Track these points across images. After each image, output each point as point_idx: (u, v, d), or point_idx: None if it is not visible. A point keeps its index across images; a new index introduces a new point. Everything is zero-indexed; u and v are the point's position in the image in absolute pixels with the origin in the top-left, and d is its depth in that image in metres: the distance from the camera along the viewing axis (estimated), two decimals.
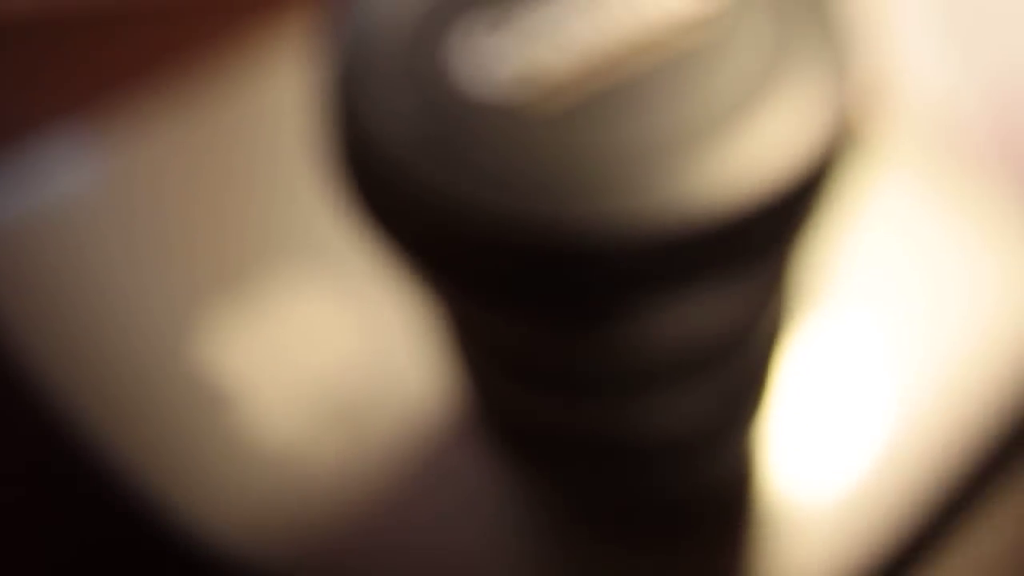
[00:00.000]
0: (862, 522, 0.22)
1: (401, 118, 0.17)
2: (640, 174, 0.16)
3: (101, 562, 0.25)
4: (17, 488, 0.25)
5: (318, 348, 0.25)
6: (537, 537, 0.22)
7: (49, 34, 0.31)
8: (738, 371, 0.20)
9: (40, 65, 0.31)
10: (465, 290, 0.17)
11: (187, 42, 0.31)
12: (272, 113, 0.27)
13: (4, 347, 0.26)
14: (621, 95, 0.17)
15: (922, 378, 0.25)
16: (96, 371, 0.25)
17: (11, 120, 0.30)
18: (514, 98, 0.17)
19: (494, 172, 0.16)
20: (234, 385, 0.24)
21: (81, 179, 0.29)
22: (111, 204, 0.28)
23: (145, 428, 0.24)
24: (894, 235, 0.26)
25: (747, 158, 0.17)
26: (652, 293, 0.17)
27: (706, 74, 0.17)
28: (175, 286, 0.26)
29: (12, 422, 0.25)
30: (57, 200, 0.28)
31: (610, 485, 0.21)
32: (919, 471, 0.23)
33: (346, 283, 0.25)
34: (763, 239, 0.17)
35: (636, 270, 0.16)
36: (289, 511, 0.23)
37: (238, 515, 0.23)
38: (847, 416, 0.23)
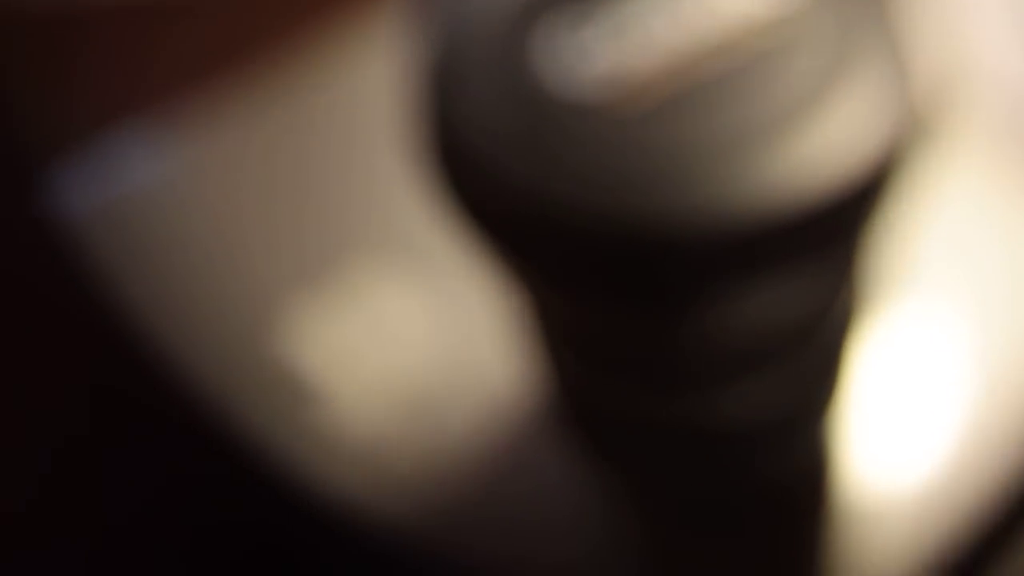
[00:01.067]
0: (940, 515, 0.22)
1: (492, 113, 0.17)
2: (720, 168, 0.17)
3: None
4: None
5: (400, 341, 0.25)
6: (615, 527, 0.22)
7: (127, 24, 0.31)
8: (813, 359, 0.20)
9: (120, 55, 0.31)
10: (552, 282, 0.18)
11: (267, 31, 0.31)
12: (352, 103, 0.28)
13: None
14: (700, 93, 0.17)
15: (1001, 369, 0.25)
16: (184, 356, 0.26)
17: (93, 110, 0.30)
18: (599, 97, 0.17)
19: (581, 167, 0.17)
20: (317, 379, 0.24)
21: (162, 170, 0.29)
22: (193, 194, 0.28)
23: (233, 417, 0.24)
24: (970, 223, 0.26)
25: (820, 150, 0.17)
26: (731, 282, 0.17)
27: (778, 71, 0.17)
28: (258, 279, 0.26)
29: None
30: (137, 192, 0.29)
31: (687, 475, 0.21)
32: (997, 464, 0.23)
33: (427, 275, 0.25)
34: (838, 228, 0.17)
35: (716, 260, 0.16)
36: (374, 504, 0.24)
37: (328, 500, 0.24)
38: (925, 406, 0.23)
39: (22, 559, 0.26)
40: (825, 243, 0.17)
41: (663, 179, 0.17)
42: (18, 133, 0.30)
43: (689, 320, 0.17)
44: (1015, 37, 0.31)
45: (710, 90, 0.17)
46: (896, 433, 0.23)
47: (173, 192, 0.28)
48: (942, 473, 0.23)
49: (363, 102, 0.28)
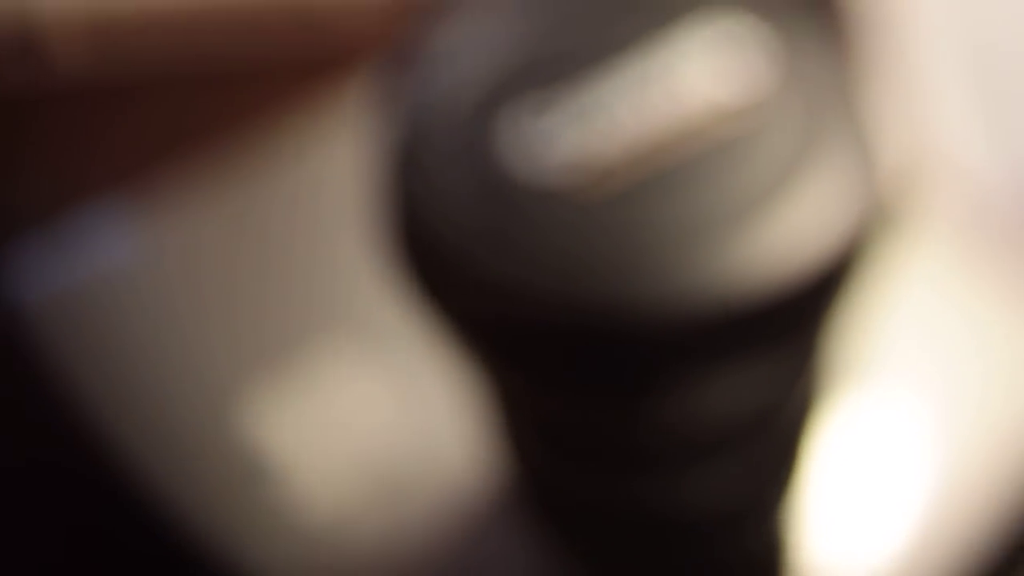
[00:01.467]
0: None
1: (455, 202, 0.17)
2: (682, 257, 0.17)
3: None
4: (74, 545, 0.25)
5: (361, 423, 0.25)
6: None
7: (86, 106, 0.31)
8: (773, 445, 0.20)
9: (79, 138, 0.31)
10: (514, 370, 0.18)
11: (237, 111, 0.30)
12: (316, 186, 0.28)
13: (58, 417, 0.26)
14: (664, 179, 0.17)
15: (958, 455, 0.25)
16: (142, 443, 0.25)
17: (50, 194, 0.30)
18: (564, 183, 0.17)
19: (543, 257, 0.16)
20: (279, 459, 0.24)
21: (121, 254, 0.29)
22: (152, 278, 0.28)
23: (192, 503, 0.24)
24: (934, 309, 0.26)
25: (782, 239, 0.17)
26: (691, 370, 0.17)
27: (742, 158, 0.17)
28: (222, 358, 0.26)
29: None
30: (96, 275, 0.28)
31: (647, 562, 0.21)
32: (953, 548, 0.23)
33: (389, 358, 0.25)
34: (799, 317, 0.17)
35: (676, 349, 0.16)
36: None
37: None
38: (885, 494, 0.23)
39: None
40: (785, 332, 0.17)
41: (626, 269, 0.17)
42: None
43: (649, 407, 0.17)
44: (978, 126, 0.31)
45: (674, 176, 0.17)
46: (855, 520, 0.23)
47: (132, 276, 0.28)
48: (900, 561, 0.23)
49: (327, 184, 0.27)
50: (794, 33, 0.19)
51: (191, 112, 0.31)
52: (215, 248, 0.28)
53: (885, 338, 0.25)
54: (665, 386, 0.17)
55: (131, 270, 0.28)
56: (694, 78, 0.18)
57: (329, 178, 0.27)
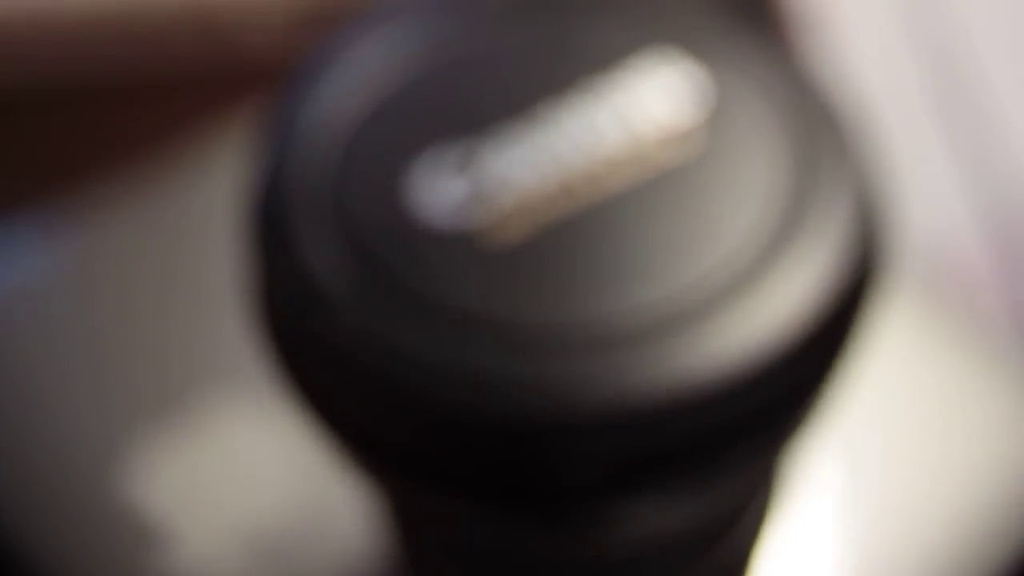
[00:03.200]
0: None
1: (323, 269, 0.15)
2: (607, 362, 0.14)
3: None
4: None
5: (252, 480, 0.24)
6: None
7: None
8: (721, 563, 0.18)
9: None
10: (396, 472, 0.15)
11: (144, 126, 0.30)
12: (220, 210, 0.25)
13: None
14: (583, 246, 0.16)
15: (916, 539, 0.23)
16: (21, 498, 0.24)
17: None
18: (464, 249, 0.15)
19: (434, 357, 0.14)
20: (162, 521, 0.23)
21: (20, 270, 0.27)
22: (47, 302, 0.26)
23: (72, 566, 0.23)
24: (892, 387, 0.25)
25: (735, 329, 0.15)
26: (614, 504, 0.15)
27: (677, 221, 0.16)
28: (98, 415, 0.25)
29: None
30: None
31: None
32: None
33: (277, 414, 0.24)
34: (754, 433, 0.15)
35: (596, 480, 0.14)
36: None
37: None
38: None
39: None
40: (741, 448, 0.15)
41: (543, 375, 0.14)
42: None
43: (580, 525, 0.15)
44: (943, 185, 0.30)
45: (596, 247, 0.15)
46: None
47: (20, 300, 0.27)
48: None
49: (219, 220, 0.25)
50: (734, 71, 0.17)
51: (95, 127, 0.31)
52: (110, 278, 0.27)
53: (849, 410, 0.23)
54: (582, 521, 0.15)
55: (21, 292, 0.27)
56: (618, 121, 0.16)
57: (220, 212, 0.24)
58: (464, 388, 0.14)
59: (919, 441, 0.24)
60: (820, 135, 0.17)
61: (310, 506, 0.23)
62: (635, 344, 0.14)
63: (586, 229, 0.15)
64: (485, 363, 0.14)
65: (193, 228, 0.27)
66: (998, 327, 0.28)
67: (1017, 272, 0.29)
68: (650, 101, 0.16)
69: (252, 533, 0.22)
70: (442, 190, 0.15)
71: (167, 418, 0.24)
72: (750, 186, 0.16)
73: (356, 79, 0.16)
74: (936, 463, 0.24)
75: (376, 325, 0.14)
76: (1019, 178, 0.31)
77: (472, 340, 0.14)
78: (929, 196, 0.30)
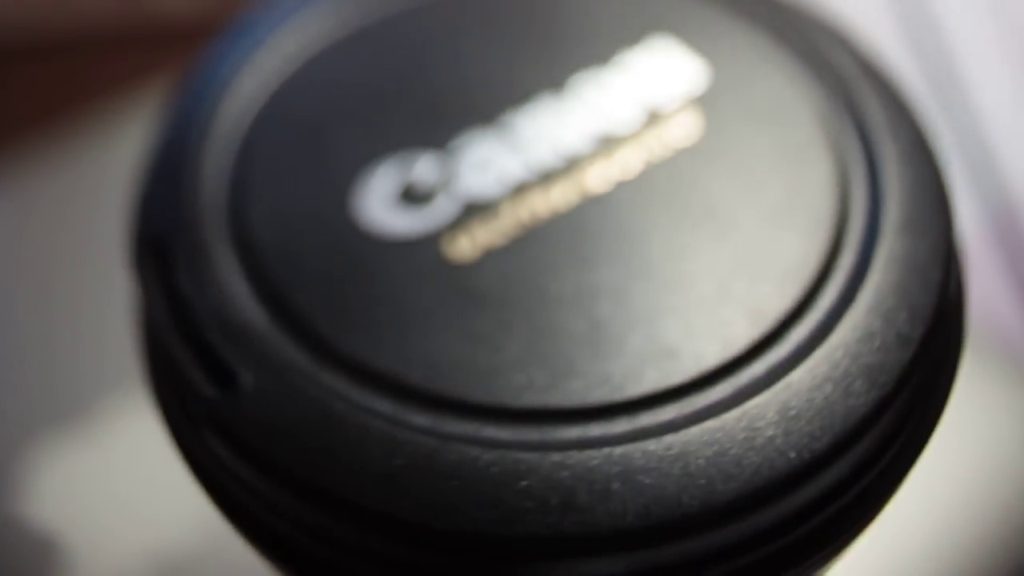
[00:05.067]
0: None
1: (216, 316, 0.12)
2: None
3: None
4: None
5: (149, 498, 0.21)
6: None
7: None
8: None
9: None
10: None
11: (58, 87, 0.27)
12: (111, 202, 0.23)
13: None
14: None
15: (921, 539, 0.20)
16: None
17: None
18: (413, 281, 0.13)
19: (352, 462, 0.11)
20: (58, 537, 0.21)
21: None
22: None
23: None
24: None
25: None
26: None
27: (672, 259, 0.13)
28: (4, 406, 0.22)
29: None
30: None
31: None
32: None
33: None
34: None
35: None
36: None
37: None
38: None
39: None
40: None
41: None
42: None
43: None
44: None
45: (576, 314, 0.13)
46: None
47: None
48: None
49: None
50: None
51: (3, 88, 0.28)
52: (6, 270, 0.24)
53: None
54: None
55: None
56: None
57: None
58: (412, 509, 0.11)
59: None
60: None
61: (213, 522, 0.20)
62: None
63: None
64: (429, 475, 0.10)
65: (87, 209, 0.23)
66: (998, 328, 0.25)
67: (1014, 273, 0.27)
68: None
69: (154, 550, 0.20)
70: (392, 213, 0.13)
71: (62, 425, 0.21)
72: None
73: (275, 65, 0.13)
74: (941, 462, 0.22)
75: (291, 413, 0.11)
76: (1014, 179, 0.29)
77: (416, 438, 0.10)
78: None
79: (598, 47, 0.15)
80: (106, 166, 0.24)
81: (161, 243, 0.13)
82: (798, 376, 0.13)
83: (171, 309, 0.12)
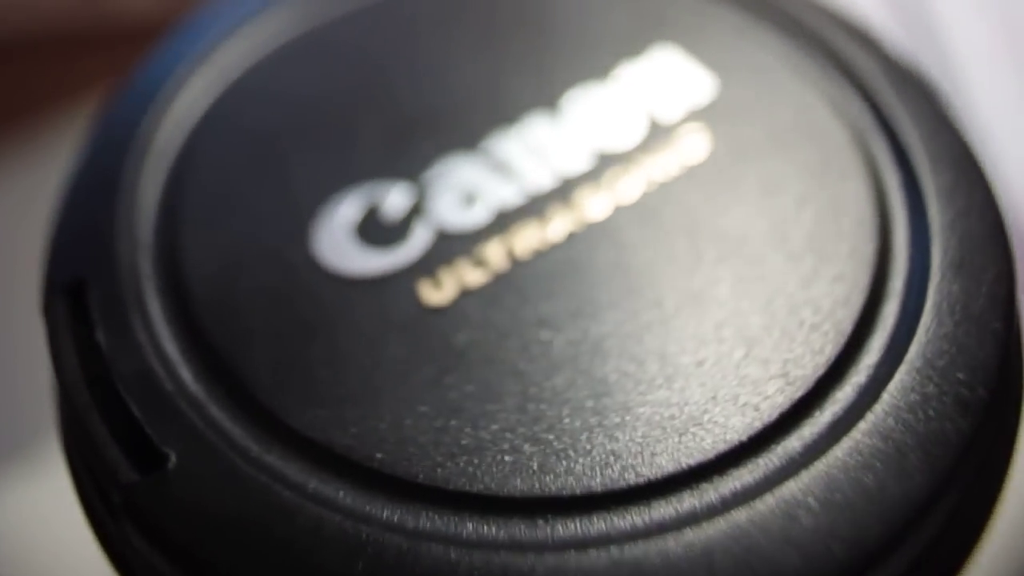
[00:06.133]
0: None
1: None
2: None
3: None
4: None
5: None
6: None
7: None
8: None
9: None
10: None
11: (16, 86, 0.27)
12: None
13: None
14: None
15: None
16: None
17: None
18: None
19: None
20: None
21: None
22: None
23: None
24: None
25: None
26: None
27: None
28: None
29: None
30: None
31: None
32: None
33: None
34: None
35: None
36: None
37: None
38: None
39: None
40: None
41: None
42: None
43: None
44: None
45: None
46: None
47: None
48: None
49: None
50: None
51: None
52: None
53: None
54: None
55: None
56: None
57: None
58: None
59: None
60: None
61: None
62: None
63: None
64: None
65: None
66: None
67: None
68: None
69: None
70: (356, 250, 0.11)
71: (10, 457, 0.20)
72: None
73: (219, 74, 0.11)
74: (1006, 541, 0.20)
75: (229, 503, 0.09)
76: (1014, 180, 0.27)
77: (382, 535, 0.09)
78: None
79: (595, 58, 0.13)
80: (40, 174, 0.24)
81: (74, 288, 0.11)
82: (841, 452, 0.11)
83: (85, 370, 0.10)
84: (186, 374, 0.10)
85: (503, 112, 0.12)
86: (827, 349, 0.12)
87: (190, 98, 0.12)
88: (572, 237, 0.12)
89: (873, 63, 0.15)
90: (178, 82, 0.12)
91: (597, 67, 0.13)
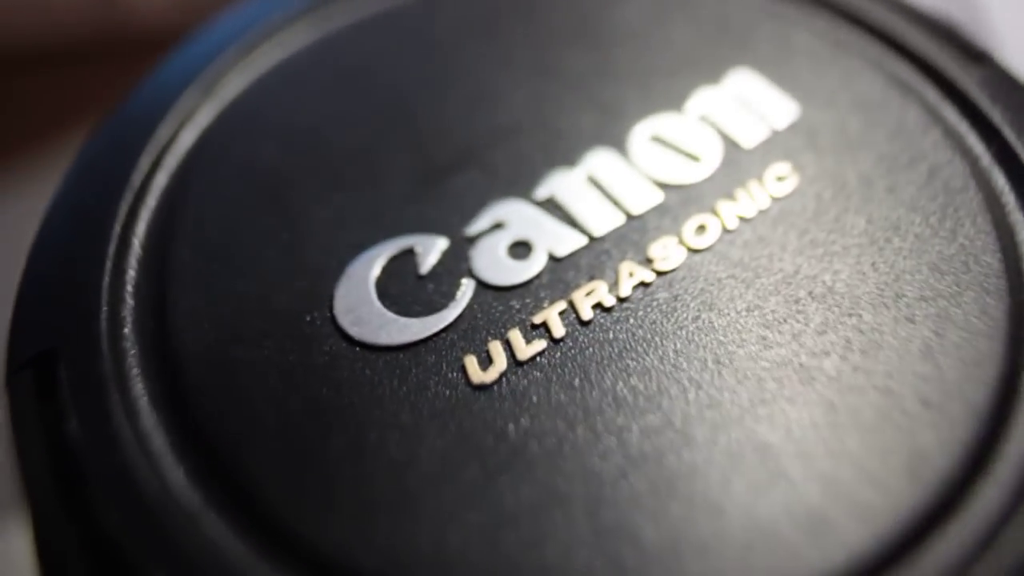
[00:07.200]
0: None
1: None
2: None
3: None
4: None
5: None
6: None
7: None
8: None
9: None
10: None
11: (33, 95, 0.27)
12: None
13: None
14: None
15: None
16: None
17: None
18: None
19: None
20: None
21: None
22: None
23: None
24: None
25: None
26: None
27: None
28: None
29: None
30: None
31: None
32: None
33: None
34: None
35: None
36: None
37: None
38: None
39: None
40: None
41: None
42: None
43: None
44: None
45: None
46: None
47: None
48: None
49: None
50: None
51: None
52: None
53: None
54: None
55: None
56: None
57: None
58: None
59: None
60: None
61: None
62: None
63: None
64: None
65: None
66: None
67: None
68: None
69: None
70: (385, 315, 0.09)
71: None
72: None
73: (222, 106, 0.09)
74: None
75: None
76: None
77: None
78: None
79: (667, 87, 0.11)
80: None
81: (43, 362, 0.09)
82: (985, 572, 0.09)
83: (53, 467, 0.08)
84: (176, 474, 0.08)
85: (562, 150, 0.10)
86: (959, 435, 0.10)
87: (186, 129, 0.10)
88: (644, 294, 0.10)
89: (980, 83, 0.13)
90: (173, 110, 0.10)
91: (671, 95, 0.11)
